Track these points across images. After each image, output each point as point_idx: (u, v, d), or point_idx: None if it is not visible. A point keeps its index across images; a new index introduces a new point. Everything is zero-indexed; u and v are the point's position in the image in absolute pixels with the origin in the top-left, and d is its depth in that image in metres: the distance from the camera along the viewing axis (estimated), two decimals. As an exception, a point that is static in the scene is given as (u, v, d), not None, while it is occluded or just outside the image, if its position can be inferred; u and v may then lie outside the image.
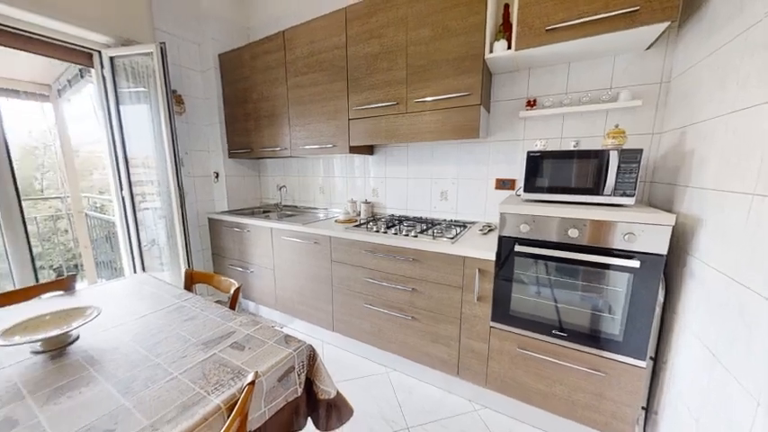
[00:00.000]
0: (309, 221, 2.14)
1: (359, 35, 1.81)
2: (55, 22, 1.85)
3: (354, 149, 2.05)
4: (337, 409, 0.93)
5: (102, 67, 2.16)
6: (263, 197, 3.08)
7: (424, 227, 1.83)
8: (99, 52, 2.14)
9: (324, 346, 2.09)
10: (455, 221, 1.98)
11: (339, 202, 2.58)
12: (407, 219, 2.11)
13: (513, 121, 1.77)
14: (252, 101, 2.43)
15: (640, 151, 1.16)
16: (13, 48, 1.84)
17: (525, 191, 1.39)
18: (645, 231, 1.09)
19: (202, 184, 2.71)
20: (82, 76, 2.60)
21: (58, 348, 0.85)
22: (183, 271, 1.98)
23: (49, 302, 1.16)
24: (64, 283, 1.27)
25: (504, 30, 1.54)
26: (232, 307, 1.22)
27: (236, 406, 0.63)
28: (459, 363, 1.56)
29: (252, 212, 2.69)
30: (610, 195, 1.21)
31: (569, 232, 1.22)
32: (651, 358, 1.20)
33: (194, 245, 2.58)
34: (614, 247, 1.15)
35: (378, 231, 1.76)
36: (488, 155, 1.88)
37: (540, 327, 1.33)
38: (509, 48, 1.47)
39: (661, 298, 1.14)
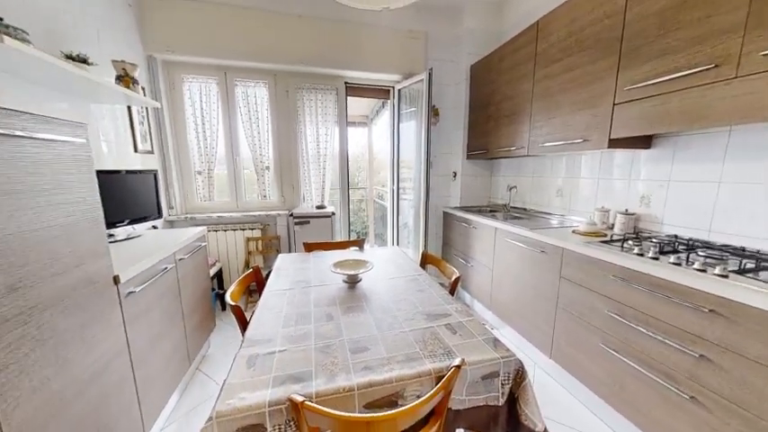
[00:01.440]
0: (538, 227, 1.92)
1: (650, -14, 1.33)
2: (376, 74, 2.85)
3: (616, 143, 1.57)
4: (542, 447, 0.80)
5: (393, 97, 3.07)
6: (491, 197, 3.14)
7: (750, 264, 1.09)
8: (393, 87, 3.04)
9: (535, 368, 1.85)
10: None
11: (581, 209, 2.10)
12: (709, 246, 1.35)
13: None
14: (494, 103, 2.50)
15: None
16: (357, 96, 3.04)
17: None
18: None
19: (443, 181, 3.18)
20: (382, 107, 3.83)
21: (352, 282, 1.34)
22: (420, 251, 2.48)
23: (352, 253, 1.85)
24: (359, 243, 1.99)
25: None
26: (451, 292, 1.36)
27: (444, 379, 0.71)
28: None
29: (479, 210, 2.82)
30: None
31: None
32: None
33: (431, 232, 3.11)
34: None
35: (642, 255, 1.27)
36: None
37: None
38: None
39: None
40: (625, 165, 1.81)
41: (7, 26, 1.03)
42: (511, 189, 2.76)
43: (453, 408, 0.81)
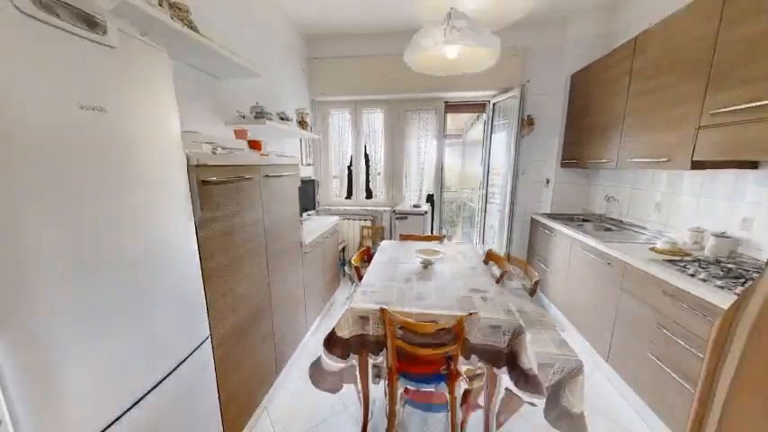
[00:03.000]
0: (618, 240, 2.00)
1: (742, 14, 1.33)
2: (476, 92, 3.26)
3: (701, 165, 1.57)
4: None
5: (488, 111, 3.39)
6: (588, 205, 3.06)
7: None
8: (488, 102, 3.36)
9: (593, 371, 1.99)
10: None
11: (680, 226, 2.00)
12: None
13: None
14: (589, 115, 2.53)
15: None
16: (455, 112, 3.52)
17: None
18: None
19: (535, 188, 3.31)
20: (477, 119, 4.13)
21: (427, 265, 1.94)
22: (504, 252, 2.80)
23: (433, 245, 2.43)
24: (440, 238, 2.56)
25: None
26: (531, 294, 1.72)
27: (459, 318, 1.24)
28: None
29: (570, 219, 2.87)
30: None
31: None
32: None
33: (516, 235, 3.31)
34: None
35: (693, 276, 1.36)
36: None
37: None
38: None
39: None
40: (728, 185, 1.69)
41: (268, 113, 2.09)
42: (609, 199, 2.70)
43: (470, 341, 1.32)
